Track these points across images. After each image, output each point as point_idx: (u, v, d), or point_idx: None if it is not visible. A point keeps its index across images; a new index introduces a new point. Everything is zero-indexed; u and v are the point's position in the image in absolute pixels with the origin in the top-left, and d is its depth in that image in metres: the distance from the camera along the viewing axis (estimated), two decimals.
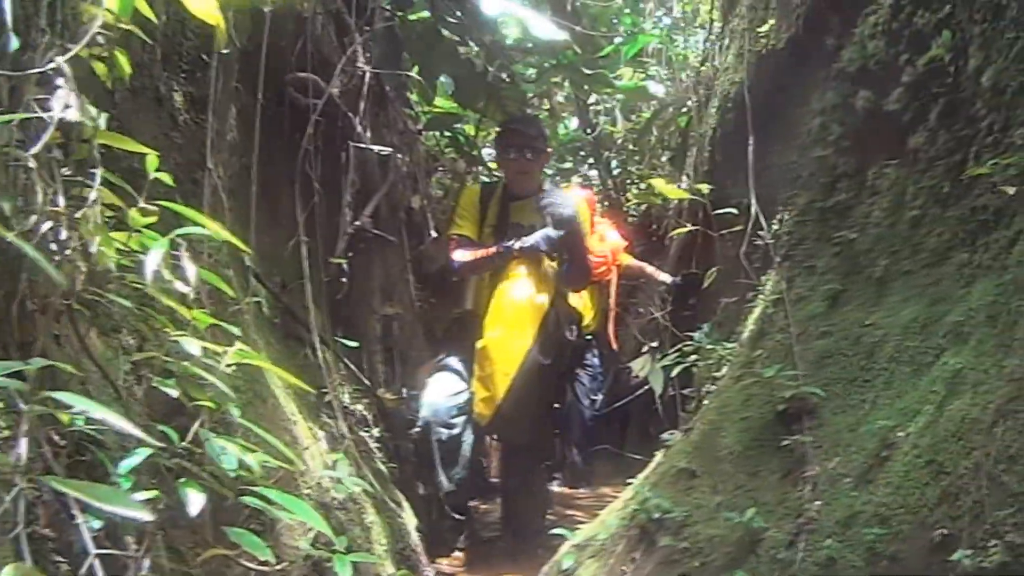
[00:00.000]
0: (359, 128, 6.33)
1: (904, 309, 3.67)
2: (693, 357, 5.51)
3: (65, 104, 2.00)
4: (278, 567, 3.52)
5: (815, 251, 4.47)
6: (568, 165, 14.07)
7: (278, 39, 5.46)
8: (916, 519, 2.81)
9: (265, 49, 4.64)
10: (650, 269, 9.20)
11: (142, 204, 2.40)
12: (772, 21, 5.75)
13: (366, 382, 6.36)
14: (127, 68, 2.44)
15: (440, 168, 10.66)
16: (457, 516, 6.37)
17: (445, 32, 7.65)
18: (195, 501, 2.24)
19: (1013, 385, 2.65)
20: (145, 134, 3.37)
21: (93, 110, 2.19)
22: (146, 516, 1.91)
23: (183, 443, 2.37)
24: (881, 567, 2.84)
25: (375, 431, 6.02)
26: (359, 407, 5.97)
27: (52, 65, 1.94)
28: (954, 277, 3.48)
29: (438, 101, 9.40)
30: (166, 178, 2.53)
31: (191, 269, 2.45)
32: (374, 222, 7.02)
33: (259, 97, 3.94)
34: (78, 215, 2.06)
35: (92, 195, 2.12)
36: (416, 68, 7.97)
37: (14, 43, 2.02)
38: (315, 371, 5.26)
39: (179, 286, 2.42)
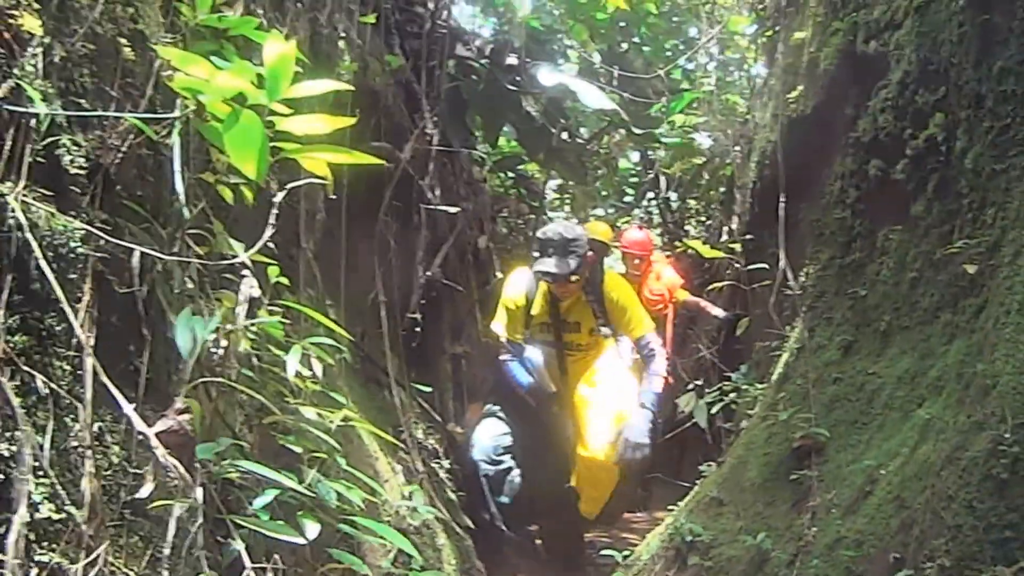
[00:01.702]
0: (428, 192, 6.93)
1: (901, 361, 4.21)
2: (732, 395, 6.10)
3: (251, 286, 2.73)
4: None
5: (833, 304, 4.99)
6: (629, 199, 14.59)
7: (355, 114, 6.09)
8: (881, 544, 3.40)
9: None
10: (704, 304, 9.64)
11: (268, 305, 3.10)
12: (801, 88, 6.28)
13: (438, 418, 6.98)
14: (250, 197, 3.14)
15: (505, 208, 11.18)
16: (510, 534, 6.67)
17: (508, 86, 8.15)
18: (311, 530, 2.88)
19: (961, 436, 3.23)
20: (248, 222, 3.99)
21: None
22: (304, 540, 2.63)
23: (304, 485, 3.01)
24: None
25: (446, 463, 6.63)
26: (431, 441, 6.58)
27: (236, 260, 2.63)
28: (939, 335, 4.01)
29: (501, 143, 9.95)
30: (284, 281, 3.23)
31: (318, 367, 3.17)
32: (443, 269, 7.62)
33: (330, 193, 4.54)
34: (230, 328, 2.77)
35: (240, 315, 2.84)
36: (479, 118, 8.42)
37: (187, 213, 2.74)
38: (392, 411, 5.90)
39: (306, 372, 3.14)
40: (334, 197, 3.65)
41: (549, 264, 6.28)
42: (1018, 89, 3.80)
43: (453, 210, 7.27)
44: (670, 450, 10.32)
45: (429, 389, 6.68)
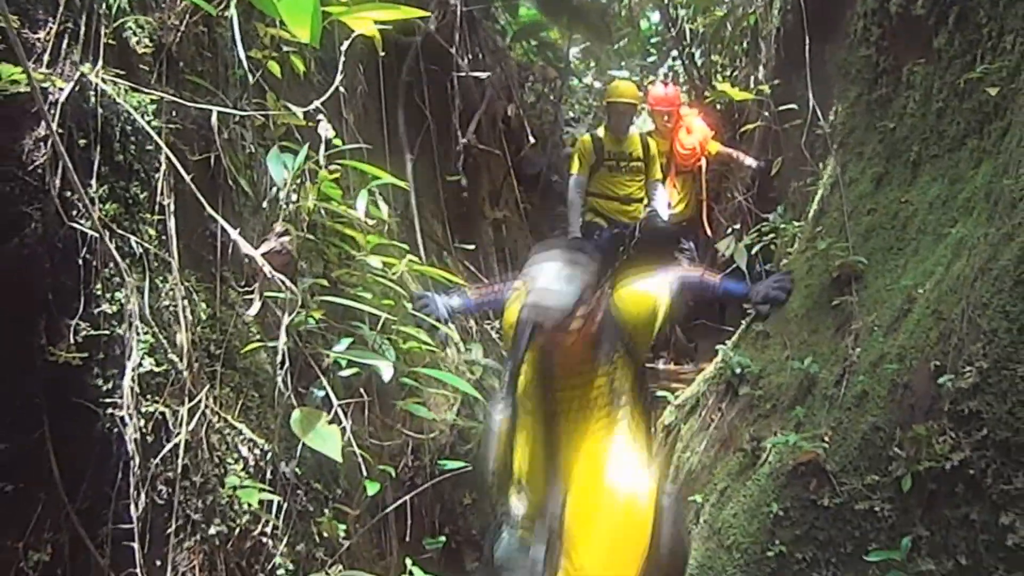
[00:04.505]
0: (457, 58, 7.04)
1: (932, 187, 4.34)
2: (771, 235, 6.26)
3: (326, 128, 2.92)
4: (431, 435, 4.42)
5: (864, 139, 5.08)
6: (653, 59, 14.56)
7: None
8: (922, 356, 3.58)
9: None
10: (737, 154, 9.72)
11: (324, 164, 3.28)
12: None
13: (484, 280, 7.20)
14: (301, 67, 3.30)
15: (531, 75, 11.27)
16: None
17: None
18: (387, 370, 3.08)
19: (992, 249, 3.38)
20: (292, 98, 4.17)
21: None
22: (390, 371, 2.85)
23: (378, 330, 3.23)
24: (897, 394, 3.63)
25: (496, 322, 6.87)
26: None
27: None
28: (968, 160, 4.14)
29: (522, 12, 9.99)
30: (338, 142, 3.40)
31: (384, 208, 3.37)
32: (478, 137, 7.77)
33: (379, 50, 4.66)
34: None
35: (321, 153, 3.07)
36: None
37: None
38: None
39: (371, 222, 3.35)
40: (383, 54, 3.74)
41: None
42: None
43: (484, 75, 7.39)
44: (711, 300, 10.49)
45: (472, 247, 6.86)
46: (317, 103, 2.96)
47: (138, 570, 2.49)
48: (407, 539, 4.13)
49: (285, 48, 3.32)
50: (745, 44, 10.80)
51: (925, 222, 4.26)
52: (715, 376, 5.24)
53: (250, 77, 3.07)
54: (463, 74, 7.13)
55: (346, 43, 3.12)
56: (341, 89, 4.82)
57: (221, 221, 2.61)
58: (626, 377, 4.31)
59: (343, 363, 3.07)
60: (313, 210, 3.07)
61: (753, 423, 4.57)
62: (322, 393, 2.95)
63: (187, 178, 2.63)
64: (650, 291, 4.48)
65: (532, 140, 9.14)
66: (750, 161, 9.41)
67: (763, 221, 6.85)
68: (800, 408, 4.22)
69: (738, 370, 4.88)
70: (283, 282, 2.63)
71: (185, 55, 2.97)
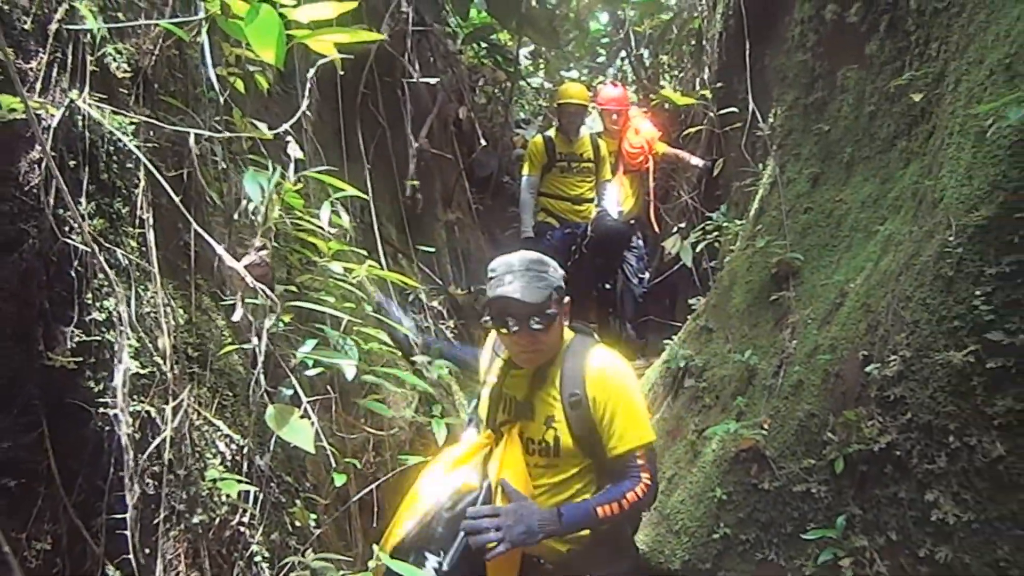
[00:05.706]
0: (409, 67, 7.22)
1: (864, 187, 4.59)
2: (715, 233, 6.50)
3: (295, 149, 3.12)
4: (391, 432, 4.61)
5: (801, 141, 5.33)
6: (602, 59, 14.78)
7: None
8: (852, 346, 3.83)
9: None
10: (683, 154, 9.93)
11: (291, 176, 3.48)
12: None
13: (439, 281, 7.40)
14: (265, 84, 3.49)
15: (482, 78, 11.44)
16: None
17: None
18: (350, 369, 3.29)
19: (915, 245, 3.62)
20: (255, 111, 4.34)
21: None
22: (352, 370, 3.05)
23: (341, 332, 3.44)
24: (830, 383, 3.87)
25: (451, 322, 7.07)
26: (436, 303, 7.01)
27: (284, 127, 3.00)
28: (897, 161, 4.39)
29: (472, 15, 10.15)
30: (301, 156, 3.60)
31: (346, 217, 3.57)
32: (430, 140, 7.95)
33: (339, 70, 4.83)
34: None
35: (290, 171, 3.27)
36: None
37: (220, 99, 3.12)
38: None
39: (331, 230, 3.55)
40: (343, 73, 3.91)
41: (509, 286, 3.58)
42: None
43: (433, 81, 7.56)
44: (662, 295, 10.73)
45: (432, 250, 7.04)
46: (286, 126, 3.17)
47: (131, 557, 2.70)
48: (372, 528, 4.33)
49: (250, 67, 3.52)
50: (692, 44, 11.01)
51: (857, 220, 4.51)
52: (663, 370, 5.47)
53: (219, 96, 3.27)
54: (415, 79, 7.30)
55: (312, 71, 3.33)
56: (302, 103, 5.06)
57: (207, 237, 2.83)
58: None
59: (309, 363, 3.27)
60: (278, 220, 3.28)
61: (698, 413, 4.80)
62: (290, 392, 3.15)
63: (172, 194, 2.82)
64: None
65: (483, 142, 9.32)
66: (696, 161, 9.60)
67: (708, 219, 7.08)
68: (741, 398, 4.46)
69: (683, 363, 5.11)
70: (263, 291, 2.84)
71: (159, 77, 3.17)
